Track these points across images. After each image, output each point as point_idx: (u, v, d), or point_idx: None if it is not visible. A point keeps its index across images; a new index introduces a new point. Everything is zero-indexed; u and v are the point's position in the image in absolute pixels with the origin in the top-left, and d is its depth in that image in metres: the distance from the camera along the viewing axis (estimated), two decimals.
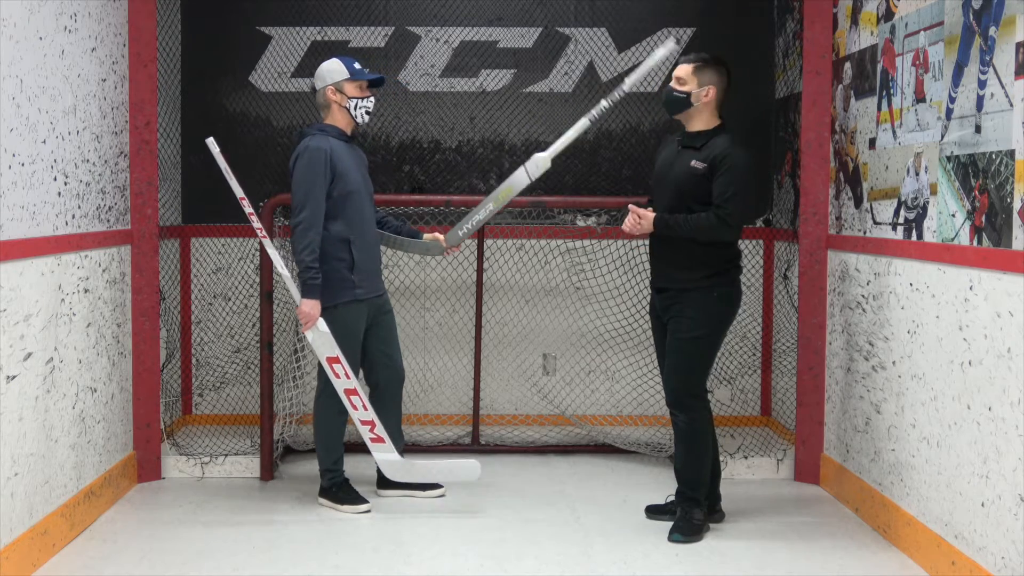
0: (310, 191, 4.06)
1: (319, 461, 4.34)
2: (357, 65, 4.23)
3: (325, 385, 4.27)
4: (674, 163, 3.95)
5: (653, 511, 4.19)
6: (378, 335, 4.35)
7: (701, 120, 3.91)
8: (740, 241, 5.45)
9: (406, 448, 5.11)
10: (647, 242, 4.15)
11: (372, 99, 4.25)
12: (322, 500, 4.34)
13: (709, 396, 4.03)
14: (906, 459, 3.79)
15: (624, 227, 3.96)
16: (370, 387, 4.42)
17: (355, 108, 4.19)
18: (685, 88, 3.88)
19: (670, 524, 3.98)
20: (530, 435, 5.38)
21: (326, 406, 4.29)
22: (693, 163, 3.85)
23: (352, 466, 4.52)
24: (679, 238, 3.85)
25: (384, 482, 4.46)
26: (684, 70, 3.89)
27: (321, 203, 4.07)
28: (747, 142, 5.45)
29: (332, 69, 4.20)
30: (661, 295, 3.99)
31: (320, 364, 4.28)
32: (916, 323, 3.71)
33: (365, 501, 4.28)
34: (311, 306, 4.09)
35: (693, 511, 3.95)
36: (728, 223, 3.79)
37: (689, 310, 3.88)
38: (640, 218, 3.90)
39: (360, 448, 4.92)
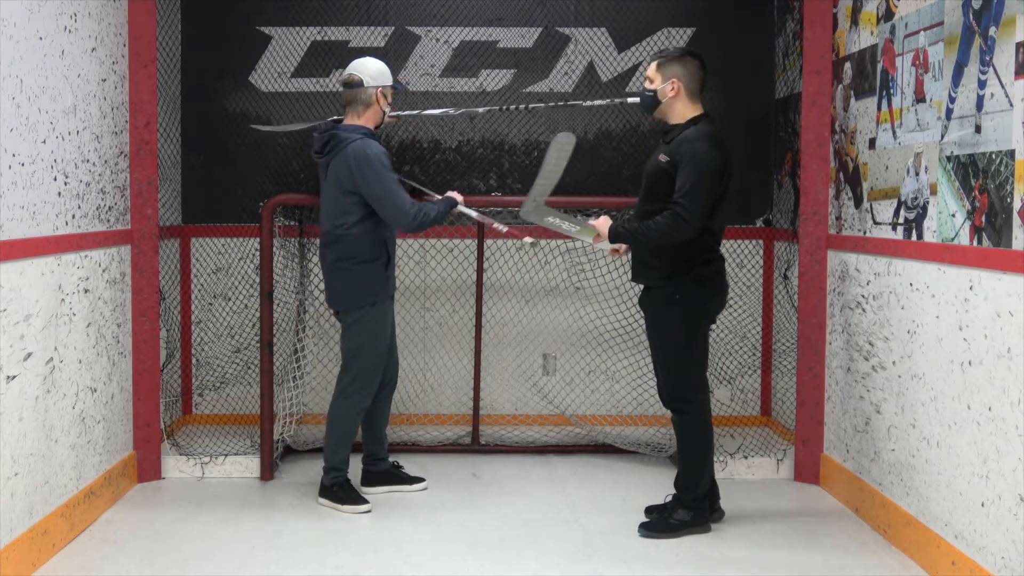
0: (397, 188, 4.14)
1: (326, 458, 4.34)
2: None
3: (349, 383, 4.29)
4: (651, 160, 4.00)
5: (653, 511, 4.19)
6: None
7: (675, 114, 3.92)
8: (740, 241, 5.51)
9: (403, 448, 5.13)
10: None
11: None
12: (322, 500, 4.34)
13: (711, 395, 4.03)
14: (906, 459, 3.80)
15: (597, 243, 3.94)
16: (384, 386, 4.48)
17: (388, 114, 4.34)
18: (652, 86, 3.91)
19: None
20: (530, 435, 5.38)
21: (347, 405, 4.30)
22: (660, 157, 3.87)
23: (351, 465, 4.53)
24: (638, 241, 3.84)
25: (369, 479, 4.50)
26: (650, 69, 3.94)
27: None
28: (747, 142, 5.53)
29: (383, 71, 4.29)
30: (642, 291, 4.06)
31: (343, 363, 4.30)
32: (916, 323, 3.71)
33: (366, 501, 4.29)
34: (456, 199, 4.35)
35: (676, 511, 3.99)
36: (683, 218, 3.71)
37: (657, 318, 3.93)
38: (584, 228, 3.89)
39: (357, 448, 4.96)
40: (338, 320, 4.36)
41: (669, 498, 4.18)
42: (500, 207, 5.19)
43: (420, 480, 4.59)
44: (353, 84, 4.25)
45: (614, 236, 3.85)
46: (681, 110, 3.91)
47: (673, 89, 3.87)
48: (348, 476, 4.37)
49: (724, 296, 4.01)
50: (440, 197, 4.38)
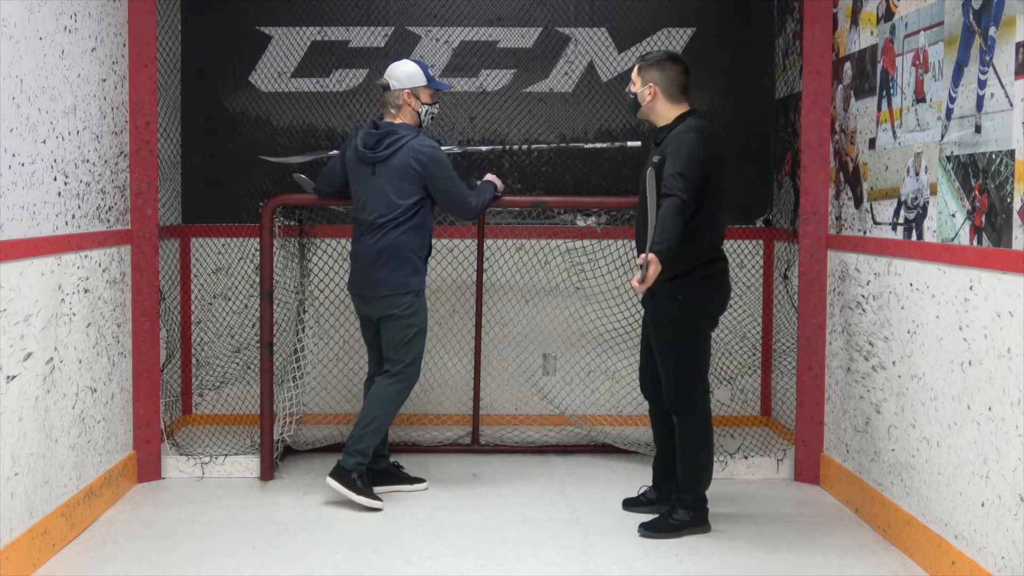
0: (461, 183, 4.42)
1: (356, 439, 4.28)
2: (431, 72, 4.47)
3: (404, 367, 4.32)
4: (646, 164, 4.02)
5: (630, 503, 4.28)
6: None
7: (659, 116, 3.99)
8: (740, 241, 5.51)
9: (403, 448, 5.13)
10: None
11: (438, 105, 4.50)
12: (334, 483, 4.26)
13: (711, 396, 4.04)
14: (906, 459, 3.80)
15: (635, 285, 3.61)
16: (375, 377, 4.46)
17: (424, 113, 4.43)
18: (634, 89, 4.01)
19: (650, 516, 4.07)
20: (530, 435, 5.38)
21: (399, 391, 4.34)
22: (654, 159, 3.90)
23: None
24: (671, 245, 3.64)
25: (371, 478, 4.48)
26: (633, 72, 4.03)
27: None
28: (747, 142, 5.53)
29: (411, 73, 4.39)
30: (647, 294, 4.03)
31: (396, 354, 4.33)
32: (916, 323, 3.71)
33: (380, 499, 4.29)
34: (493, 179, 4.63)
35: (676, 511, 4.00)
36: (681, 199, 3.66)
37: (658, 318, 3.93)
38: (642, 273, 3.58)
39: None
40: (373, 311, 4.37)
41: (643, 489, 4.29)
42: (500, 207, 5.19)
43: (420, 480, 4.60)
44: (385, 88, 4.41)
45: (657, 254, 3.58)
46: (664, 112, 3.96)
47: (650, 94, 3.95)
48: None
49: (726, 297, 4.01)
50: (480, 182, 4.63)
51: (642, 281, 3.57)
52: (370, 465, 4.49)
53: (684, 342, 3.91)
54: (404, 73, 4.39)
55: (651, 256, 3.59)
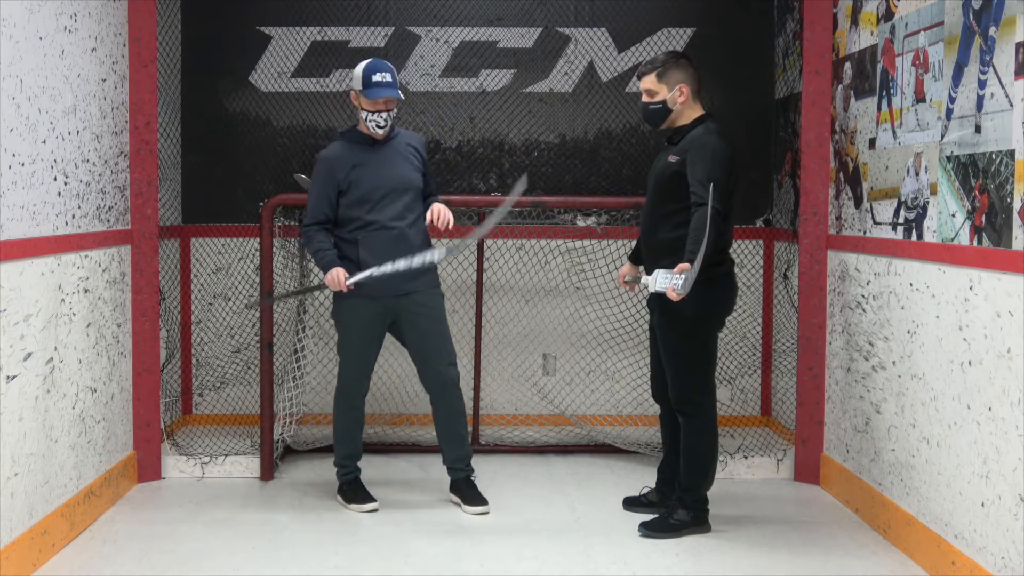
0: (312, 199, 4.18)
1: (334, 456, 4.42)
2: (376, 77, 4.07)
3: (337, 379, 4.34)
4: (657, 162, 4.01)
5: (630, 502, 4.29)
6: (411, 339, 4.24)
7: (683, 117, 3.95)
8: (740, 241, 5.51)
9: (403, 448, 5.13)
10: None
11: (384, 115, 4.09)
12: (337, 497, 4.40)
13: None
14: (906, 459, 3.80)
15: (672, 297, 3.62)
16: (429, 394, 4.34)
17: (367, 120, 4.13)
18: (658, 97, 3.91)
19: (649, 516, 4.07)
20: (530, 435, 5.38)
21: (335, 404, 4.35)
22: (670, 158, 3.88)
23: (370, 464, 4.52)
24: (705, 253, 3.60)
25: (450, 485, 4.38)
26: (649, 81, 3.91)
27: (320, 207, 4.14)
28: (747, 142, 5.53)
29: (355, 75, 4.16)
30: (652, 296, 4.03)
31: (340, 364, 4.29)
32: (916, 323, 3.71)
33: (372, 500, 4.30)
34: (332, 275, 4.04)
35: (676, 511, 4.00)
36: (716, 208, 3.66)
37: (666, 319, 3.90)
38: (684, 283, 3.58)
39: (377, 449, 4.96)
40: None
41: (645, 490, 4.29)
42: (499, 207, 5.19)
43: (480, 503, 4.25)
44: None
45: (693, 264, 3.59)
46: (688, 112, 3.94)
47: (682, 94, 3.89)
48: (357, 474, 4.38)
49: (734, 298, 4.00)
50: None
51: (680, 292, 3.57)
52: (448, 473, 4.39)
53: (692, 344, 3.90)
54: (354, 74, 4.16)
55: (685, 265, 3.61)
